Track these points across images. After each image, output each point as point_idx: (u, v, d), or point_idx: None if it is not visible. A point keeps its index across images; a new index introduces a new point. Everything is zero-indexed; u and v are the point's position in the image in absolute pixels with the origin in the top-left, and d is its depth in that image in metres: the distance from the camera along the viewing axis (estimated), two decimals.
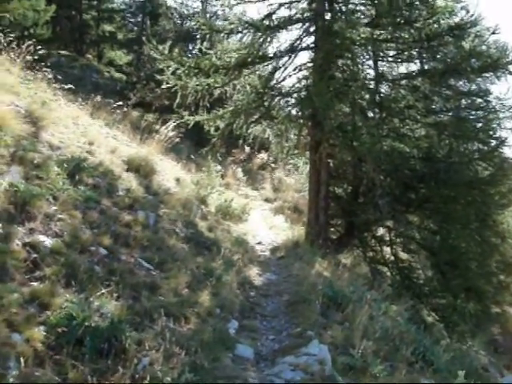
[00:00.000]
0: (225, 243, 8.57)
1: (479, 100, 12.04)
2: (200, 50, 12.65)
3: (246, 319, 6.05)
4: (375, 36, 10.70)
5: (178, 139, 11.65)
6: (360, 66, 11.26)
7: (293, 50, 11.33)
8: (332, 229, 13.16)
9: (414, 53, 11.25)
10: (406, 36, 10.67)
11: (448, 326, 11.33)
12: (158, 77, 11.78)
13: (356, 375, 4.74)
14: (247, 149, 20.05)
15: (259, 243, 11.04)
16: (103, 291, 4.64)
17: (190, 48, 22.31)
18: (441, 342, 7.95)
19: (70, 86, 9.46)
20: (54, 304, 4.31)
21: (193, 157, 15.33)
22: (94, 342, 4.05)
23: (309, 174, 12.43)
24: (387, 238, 13.22)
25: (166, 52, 11.15)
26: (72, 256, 5.02)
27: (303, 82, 11.62)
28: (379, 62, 11.56)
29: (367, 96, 11.38)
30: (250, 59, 11.31)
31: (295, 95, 11.55)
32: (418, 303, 10.99)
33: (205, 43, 12.05)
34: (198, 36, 21.30)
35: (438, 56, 11.23)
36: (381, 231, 13.66)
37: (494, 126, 11.93)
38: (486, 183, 11.70)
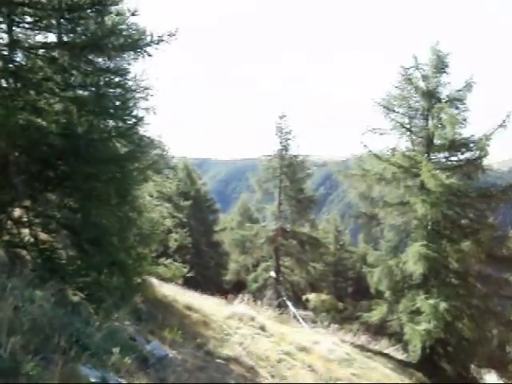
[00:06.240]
0: None
1: (118, 78, 12.27)
2: None
3: None
4: None
5: None
6: None
7: None
8: None
9: (54, 22, 10.64)
10: (45, 2, 9.98)
11: (94, 302, 11.31)
12: None
13: (6, 378, 4.15)
14: None
15: None
16: None
17: None
18: (90, 321, 7.79)
19: None
20: None
21: None
22: None
23: None
24: (25, 219, 12.37)
25: None
26: None
27: None
28: (14, 28, 10.54)
29: (0, 64, 10.31)
30: None
31: None
32: (63, 285, 10.62)
33: None
34: None
35: (79, 29, 10.89)
36: (18, 212, 12.70)
37: (131, 104, 12.42)
38: (124, 159, 12.04)
